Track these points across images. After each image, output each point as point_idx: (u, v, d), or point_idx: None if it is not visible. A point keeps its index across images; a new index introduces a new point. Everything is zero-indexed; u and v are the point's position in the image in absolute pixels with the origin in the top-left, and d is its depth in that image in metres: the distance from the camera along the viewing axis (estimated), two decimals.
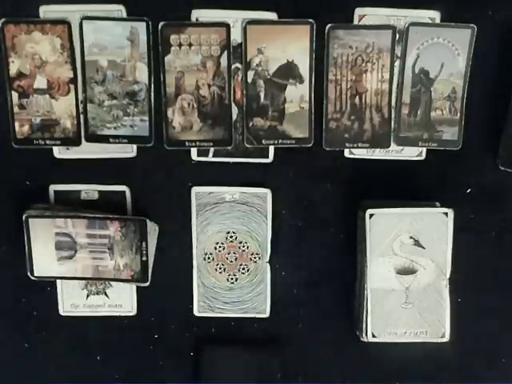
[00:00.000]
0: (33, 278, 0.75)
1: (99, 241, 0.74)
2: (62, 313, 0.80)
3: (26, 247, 0.74)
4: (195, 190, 0.78)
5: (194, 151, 0.77)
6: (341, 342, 0.81)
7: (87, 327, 0.80)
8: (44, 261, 0.75)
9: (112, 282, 0.78)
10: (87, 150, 0.76)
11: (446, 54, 0.74)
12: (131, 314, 0.80)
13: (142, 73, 0.74)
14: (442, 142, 0.76)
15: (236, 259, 0.79)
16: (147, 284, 0.76)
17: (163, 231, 0.78)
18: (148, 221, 0.74)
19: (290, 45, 0.74)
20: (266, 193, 0.78)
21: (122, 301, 0.79)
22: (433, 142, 0.76)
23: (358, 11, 0.74)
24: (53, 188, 0.77)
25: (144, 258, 0.74)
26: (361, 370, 0.82)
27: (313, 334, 0.81)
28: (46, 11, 0.73)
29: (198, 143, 0.75)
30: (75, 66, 0.73)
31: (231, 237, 0.79)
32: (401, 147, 0.77)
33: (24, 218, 0.73)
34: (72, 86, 0.74)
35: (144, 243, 0.74)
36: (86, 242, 0.74)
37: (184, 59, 0.74)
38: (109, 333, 0.80)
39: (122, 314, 0.80)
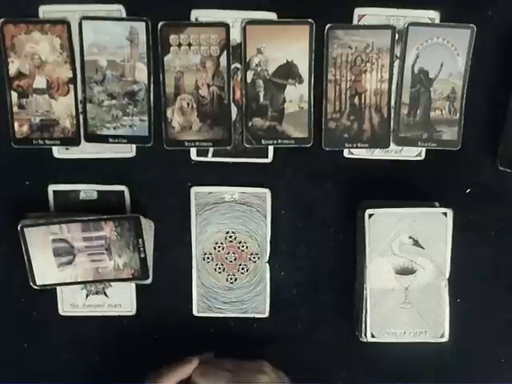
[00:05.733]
0: (35, 287, 0.75)
1: (96, 243, 0.74)
2: (61, 313, 0.80)
3: (25, 257, 0.74)
4: (194, 189, 0.78)
5: (193, 151, 0.77)
6: (341, 342, 0.81)
7: (87, 327, 0.80)
8: (44, 269, 0.75)
9: (111, 282, 0.79)
10: (86, 150, 0.76)
11: (446, 54, 0.74)
12: (131, 314, 0.80)
13: (142, 73, 0.74)
14: (441, 142, 0.76)
15: (235, 259, 0.79)
16: (149, 281, 0.76)
17: (163, 231, 0.78)
18: (142, 217, 0.74)
19: (289, 45, 0.74)
20: (266, 193, 0.78)
21: (122, 300, 0.80)
22: (432, 142, 0.76)
23: (358, 11, 0.74)
24: (52, 188, 0.77)
25: (142, 255, 0.74)
26: (361, 370, 0.82)
27: (313, 333, 0.81)
28: (45, 11, 0.73)
29: (197, 143, 0.75)
30: (74, 65, 0.73)
31: (230, 237, 0.79)
32: (400, 147, 0.77)
33: (19, 228, 0.73)
34: (71, 86, 0.74)
35: (140, 240, 0.74)
36: (83, 245, 0.74)
37: (183, 59, 0.74)
38: (108, 332, 0.80)
39: (122, 314, 0.80)
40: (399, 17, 0.74)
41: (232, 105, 0.75)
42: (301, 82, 0.75)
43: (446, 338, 0.76)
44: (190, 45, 0.73)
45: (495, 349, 0.81)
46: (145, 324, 0.80)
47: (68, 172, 0.77)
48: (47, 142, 0.75)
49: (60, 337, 0.80)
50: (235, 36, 0.74)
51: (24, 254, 0.74)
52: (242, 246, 0.79)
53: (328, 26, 0.73)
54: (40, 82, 0.73)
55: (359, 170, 0.78)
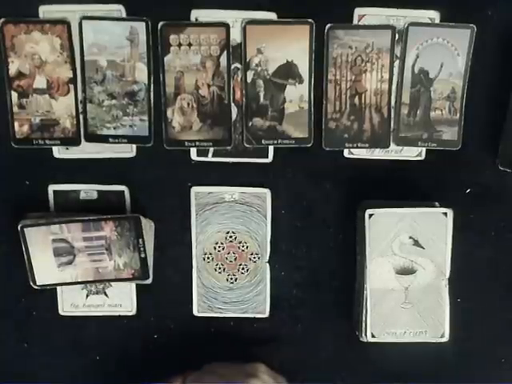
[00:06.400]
0: (35, 287, 0.75)
1: (96, 243, 0.74)
2: (61, 312, 0.80)
3: (26, 257, 0.74)
4: (195, 189, 0.78)
5: (193, 151, 0.77)
6: (341, 342, 0.81)
7: (87, 327, 0.80)
8: (44, 269, 0.74)
9: (111, 282, 0.79)
10: (86, 150, 0.76)
11: (446, 54, 0.74)
12: (131, 314, 0.80)
13: (142, 73, 0.74)
14: (441, 142, 0.76)
15: (235, 259, 0.79)
16: (149, 281, 0.76)
17: (163, 231, 0.78)
18: (142, 217, 0.74)
19: (289, 45, 0.74)
20: (266, 193, 0.78)
21: (122, 300, 0.80)
22: (432, 142, 0.76)
23: (358, 11, 0.74)
24: (52, 188, 0.77)
25: (142, 255, 0.74)
26: (361, 370, 0.82)
27: (313, 333, 0.81)
28: (45, 11, 0.73)
29: (197, 143, 0.75)
30: (75, 65, 0.73)
31: (231, 237, 0.79)
32: (400, 147, 0.77)
33: (19, 228, 0.73)
34: (71, 86, 0.74)
35: (141, 240, 0.74)
36: (83, 245, 0.74)
37: (183, 59, 0.74)
38: (108, 332, 0.80)
39: (122, 314, 0.80)
40: (399, 17, 0.74)
41: (232, 105, 0.75)
42: (301, 82, 0.75)
43: (446, 338, 0.76)
44: (190, 45, 0.73)
45: (495, 349, 0.81)
46: (145, 324, 0.80)
47: (68, 172, 0.77)
48: (47, 141, 0.75)
49: (60, 337, 0.80)
50: (235, 36, 0.74)
51: (24, 253, 0.74)
52: (242, 246, 0.79)
53: (328, 26, 0.73)
54: (40, 82, 0.73)
55: (359, 170, 0.78)
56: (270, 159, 0.77)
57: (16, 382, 0.81)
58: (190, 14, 0.73)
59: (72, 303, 0.79)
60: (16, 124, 0.74)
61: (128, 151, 0.77)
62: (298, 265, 0.80)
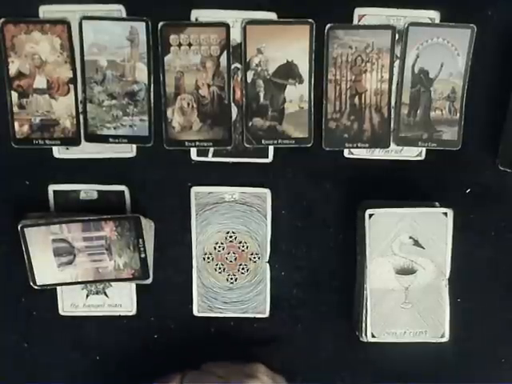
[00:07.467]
0: (35, 287, 0.75)
1: (96, 243, 0.74)
2: (61, 313, 0.80)
3: (26, 257, 0.74)
4: (195, 189, 0.78)
5: (193, 151, 0.77)
6: (341, 342, 0.81)
7: (87, 327, 0.80)
8: (44, 269, 0.74)
9: (111, 282, 0.79)
10: (87, 150, 0.76)
11: (446, 54, 0.74)
12: (131, 314, 0.80)
13: (142, 73, 0.74)
14: (441, 142, 0.76)
15: (235, 259, 0.79)
16: (149, 281, 0.76)
17: (163, 231, 0.78)
18: (142, 217, 0.74)
19: (289, 45, 0.74)
20: (266, 193, 0.78)
21: (122, 300, 0.80)
22: (432, 142, 0.76)
23: (358, 11, 0.74)
24: (52, 188, 0.77)
25: (142, 255, 0.74)
26: (361, 370, 0.82)
27: (313, 333, 0.81)
28: (45, 11, 0.73)
29: (197, 143, 0.75)
30: (75, 65, 0.73)
31: (231, 237, 0.79)
32: (400, 147, 0.77)
33: (19, 228, 0.73)
34: (71, 86, 0.74)
35: (141, 240, 0.74)
36: (83, 245, 0.74)
37: (183, 59, 0.74)
38: (108, 332, 0.80)
39: (122, 314, 0.80)
40: (399, 17, 0.74)
41: (232, 105, 0.75)
42: (301, 82, 0.75)
43: (446, 338, 0.76)
44: (190, 45, 0.73)
45: (495, 349, 0.81)
46: (145, 324, 0.80)
47: (68, 172, 0.77)
48: (47, 142, 0.75)
49: (60, 337, 0.80)
50: (235, 36, 0.74)
51: (24, 253, 0.74)
52: (243, 246, 0.79)
53: (328, 26, 0.73)
54: (40, 82, 0.73)
55: (359, 170, 0.78)
56: (270, 159, 0.77)
57: (16, 381, 0.81)
58: (190, 14, 0.73)
59: (72, 303, 0.79)
60: (16, 124, 0.74)
61: (128, 151, 0.77)
62: (298, 265, 0.80)
